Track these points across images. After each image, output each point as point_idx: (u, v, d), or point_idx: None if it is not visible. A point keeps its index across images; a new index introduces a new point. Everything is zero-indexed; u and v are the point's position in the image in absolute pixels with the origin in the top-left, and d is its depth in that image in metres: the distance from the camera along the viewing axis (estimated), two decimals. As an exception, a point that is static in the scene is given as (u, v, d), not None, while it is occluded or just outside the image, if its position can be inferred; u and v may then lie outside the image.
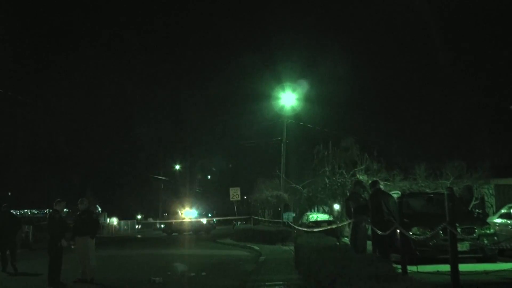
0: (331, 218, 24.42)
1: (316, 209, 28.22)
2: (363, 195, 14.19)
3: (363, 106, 50.31)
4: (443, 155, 27.29)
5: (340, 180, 23.88)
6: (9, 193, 55.06)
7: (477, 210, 21.03)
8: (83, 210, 13.97)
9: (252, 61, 58.54)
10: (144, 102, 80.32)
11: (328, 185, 24.58)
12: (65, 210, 24.94)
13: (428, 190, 22.47)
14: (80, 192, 49.98)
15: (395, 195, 14.38)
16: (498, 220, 16.66)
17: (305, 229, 20.57)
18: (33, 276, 15.48)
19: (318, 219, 25.93)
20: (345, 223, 17.04)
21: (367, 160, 24.81)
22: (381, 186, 20.33)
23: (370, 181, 22.03)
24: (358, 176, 24.13)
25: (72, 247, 13.72)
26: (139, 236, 50.37)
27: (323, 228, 18.78)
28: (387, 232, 10.86)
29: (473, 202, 20.39)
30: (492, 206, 24.37)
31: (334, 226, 18.96)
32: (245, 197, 45.71)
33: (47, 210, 46.75)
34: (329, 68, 43.75)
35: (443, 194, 14.31)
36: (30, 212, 53.68)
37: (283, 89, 32.49)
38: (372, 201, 12.84)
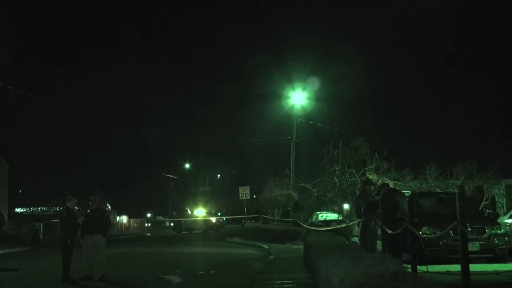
0: (340, 218, 24.38)
1: (325, 208, 28.18)
2: (373, 194, 14.14)
3: (374, 105, 50.10)
4: (454, 155, 27.19)
5: (350, 180, 23.84)
6: (20, 191, 55.42)
7: (487, 210, 20.93)
8: (95, 208, 14.04)
9: (262, 61, 58.42)
10: (156, 101, 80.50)
11: (337, 185, 24.55)
12: (76, 207, 25.11)
13: (438, 190, 22.40)
14: (90, 190, 50.11)
15: (406, 194, 14.36)
16: (509, 221, 16.62)
17: (315, 228, 20.60)
18: (42, 273, 15.60)
19: (328, 218, 25.91)
20: (354, 222, 17.03)
21: (377, 159, 24.77)
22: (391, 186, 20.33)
23: (379, 181, 22.07)
24: (368, 175, 24.10)
25: (83, 245, 13.77)
26: (148, 234, 50.54)
27: (332, 227, 18.80)
28: (398, 231, 10.84)
29: (483, 202, 20.30)
30: (503, 206, 24.27)
31: (343, 225, 18.96)
32: (254, 196, 45.75)
33: (57, 208, 47.01)
34: (340, 67, 43.73)
35: (453, 193, 14.27)
36: (41, 209, 53.93)
37: (293, 88, 32.48)
38: (385, 199, 12.77)
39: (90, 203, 14.22)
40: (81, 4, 76.18)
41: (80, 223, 13.83)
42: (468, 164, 23.94)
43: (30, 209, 54.74)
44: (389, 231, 11.34)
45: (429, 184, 24.64)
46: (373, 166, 24.80)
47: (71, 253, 13.38)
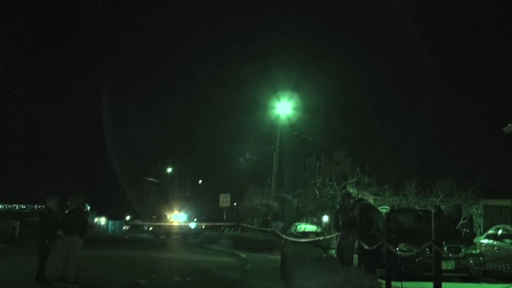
0: (319, 230, 24.48)
1: (305, 219, 28.26)
2: (352, 209, 14.23)
3: (358, 119, 50.38)
4: (434, 172, 27.43)
5: (330, 192, 23.97)
6: (-1, 187, 54.74)
7: (464, 230, 21.17)
8: (73, 209, 13.92)
9: (248, 70, 58.64)
10: (140, 104, 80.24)
11: (318, 197, 24.66)
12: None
13: (417, 207, 22.58)
14: (70, 190, 49.61)
15: (383, 210, 14.46)
16: (485, 241, 16.76)
17: (293, 239, 20.61)
18: (15, 271, 15.45)
19: (306, 230, 25.94)
20: (332, 235, 17.10)
21: (359, 173, 24.93)
22: (370, 201, 20.47)
23: (360, 195, 22.21)
24: (348, 189, 24.24)
25: (59, 245, 13.64)
26: (126, 237, 50.24)
27: (310, 239, 18.84)
28: (374, 247, 10.91)
29: (461, 221, 20.52)
30: (480, 226, 24.52)
31: (321, 238, 19.01)
32: (235, 204, 45.65)
33: (35, 206, 46.50)
34: (325, 80, 43.96)
35: (431, 211, 14.40)
36: (18, 207, 53.28)
37: (279, 98, 32.51)
38: (362, 215, 12.87)
39: (69, 203, 14.07)
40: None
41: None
42: (448, 182, 24.20)
43: (7, 206, 54.00)
44: (366, 246, 11.40)
45: (409, 201, 24.86)
46: (354, 180, 24.95)
47: (48, 253, 13.27)
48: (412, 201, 24.73)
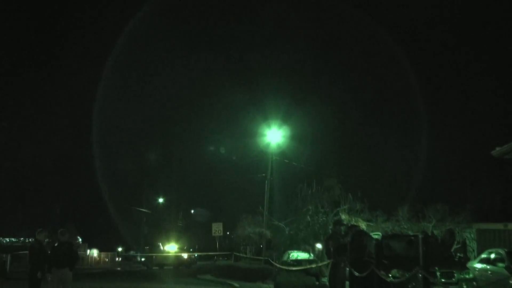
0: (312, 257, 24.32)
1: (298, 247, 28.10)
2: (343, 235, 14.19)
3: (348, 146, 50.51)
4: (426, 197, 27.46)
5: (322, 219, 23.92)
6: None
7: (458, 254, 21.12)
8: (63, 241, 13.81)
9: (238, 99, 58.94)
10: (129, 133, 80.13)
11: (310, 224, 24.59)
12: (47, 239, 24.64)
13: (410, 232, 22.55)
14: (61, 222, 49.33)
15: (375, 236, 14.45)
16: (478, 265, 16.73)
17: (286, 268, 20.49)
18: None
19: (299, 258, 25.78)
20: (324, 263, 17.01)
21: (351, 200, 24.92)
22: (363, 227, 20.44)
23: (353, 221, 22.19)
24: (341, 215, 24.21)
25: (49, 278, 13.48)
26: (119, 269, 49.64)
27: (303, 267, 18.73)
28: (364, 274, 10.87)
29: (455, 246, 20.49)
30: (474, 250, 24.47)
31: (313, 266, 18.89)
32: (228, 233, 45.43)
33: (27, 240, 46.08)
34: (316, 107, 44.17)
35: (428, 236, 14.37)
36: (9, 240, 52.84)
37: (269, 126, 32.58)
38: (355, 241, 12.83)
39: (59, 236, 13.96)
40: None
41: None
42: (440, 207, 24.23)
43: (-3, 239, 53.61)
44: (356, 273, 11.36)
45: (402, 226, 24.83)
46: (346, 206, 24.93)
47: (39, 286, 13.15)
48: (405, 226, 24.71)
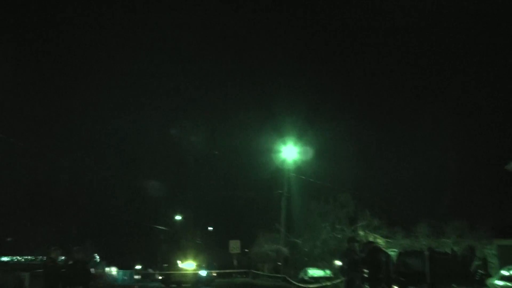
0: (330, 274, 24.05)
1: (315, 264, 27.83)
2: (357, 252, 13.95)
3: (365, 161, 50.17)
4: (446, 213, 27.09)
5: (339, 236, 23.69)
6: (8, 239, 54.67)
7: (479, 271, 20.70)
8: (77, 259, 13.78)
9: (253, 116, 59.04)
10: (147, 151, 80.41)
11: (327, 241, 24.37)
12: (62, 257, 24.74)
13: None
14: (79, 240, 49.42)
15: (392, 253, 14.22)
16: (500, 283, 16.38)
17: (303, 286, 20.30)
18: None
19: (317, 275, 25.53)
20: (339, 280, 16.79)
21: (368, 216, 24.66)
22: (381, 244, 20.16)
23: (371, 238, 21.92)
24: (359, 232, 23.99)
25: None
26: (136, 287, 49.62)
27: (319, 285, 18.53)
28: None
29: (476, 263, 20.10)
30: (495, 267, 24.02)
31: (328, 283, 18.67)
32: (246, 250, 45.14)
33: (45, 258, 46.28)
34: (332, 122, 43.98)
35: (441, 253, 14.11)
36: (27, 258, 53.10)
37: (285, 143, 32.46)
38: (370, 258, 12.60)
39: (73, 254, 13.93)
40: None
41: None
42: (460, 223, 23.89)
43: (16, 258, 53.82)
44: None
45: (420, 243, 24.48)
46: (364, 223, 24.67)
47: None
48: (424, 242, 24.34)
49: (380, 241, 23.41)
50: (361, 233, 23.60)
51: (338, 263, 24.47)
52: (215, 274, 52.91)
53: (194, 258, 60.19)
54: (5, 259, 52.57)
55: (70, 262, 13.81)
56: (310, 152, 33.57)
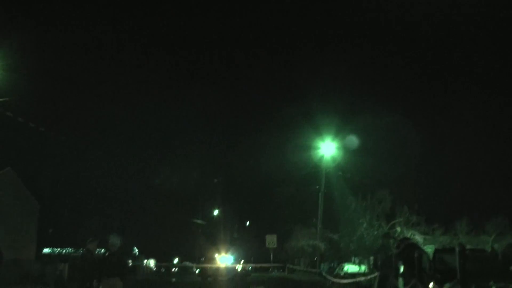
0: (365, 270, 23.86)
1: (350, 260, 27.67)
2: (392, 248, 13.77)
3: (405, 157, 49.50)
4: (486, 211, 26.58)
5: (375, 233, 23.48)
6: (50, 231, 55.93)
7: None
8: (114, 251, 13.91)
9: (292, 112, 58.91)
10: (186, 146, 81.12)
11: (364, 237, 24.19)
12: (102, 250, 25.14)
13: (469, 246, 21.80)
14: (119, 232, 50.17)
15: (429, 250, 13.99)
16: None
17: (338, 280, 20.17)
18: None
19: (354, 271, 25.36)
20: (373, 275, 16.60)
21: (407, 212, 24.38)
22: (418, 240, 19.89)
23: (410, 235, 21.66)
24: (396, 228, 23.75)
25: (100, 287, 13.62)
26: (174, 279, 50.10)
27: (354, 280, 18.38)
28: (407, 287, 10.49)
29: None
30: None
31: (362, 279, 18.50)
32: (282, 245, 45.12)
33: (82, 249, 47.12)
34: (371, 118, 43.46)
35: (480, 250, 13.83)
36: (67, 250, 54.27)
37: (323, 139, 32.33)
38: (404, 254, 12.40)
39: (109, 246, 14.06)
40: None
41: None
42: (500, 220, 23.43)
43: (58, 250, 55.06)
44: (400, 287, 10.99)
45: (460, 240, 24.06)
46: (402, 219, 24.39)
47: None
48: (463, 240, 23.91)
49: (418, 238, 23.13)
50: (399, 229, 23.33)
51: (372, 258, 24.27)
52: (251, 268, 53.13)
53: (231, 252, 60.57)
54: (46, 250, 53.91)
55: (107, 254, 13.96)
56: (348, 148, 33.38)
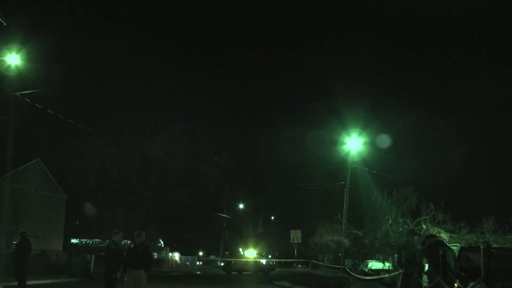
0: (389, 267, 23.71)
1: (377, 257, 27.49)
2: (416, 245, 13.65)
3: (432, 154, 49.07)
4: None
5: (401, 230, 23.26)
6: (77, 222, 56.72)
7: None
8: (139, 243, 14.02)
9: (319, 107, 58.87)
10: (213, 141, 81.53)
11: (390, 233, 24.00)
12: (128, 241, 25.39)
13: (495, 245, 21.51)
14: (144, 225, 50.73)
15: (455, 248, 13.82)
16: None
17: (362, 277, 20.08)
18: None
19: (378, 268, 25.23)
20: (397, 272, 16.49)
21: (433, 210, 24.11)
22: (445, 238, 19.68)
23: (436, 233, 21.43)
24: (422, 226, 23.51)
25: (125, 279, 13.75)
26: (198, 272, 50.48)
27: (377, 277, 18.28)
28: (431, 285, 10.40)
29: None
30: None
31: (386, 276, 18.38)
32: (307, 240, 45.08)
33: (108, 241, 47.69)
34: (398, 114, 43.22)
35: (506, 249, 13.65)
36: (94, 241, 55.01)
37: (349, 134, 32.18)
38: (429, 252, 12.29)
39: (135, 237, 14.16)
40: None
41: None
42: (529, 219, 23.04)
43: (85, 241, 55.85)
44: (425, 284, 10.91)
45: (486, 239, 23.73)
46: (427, 216, 24.13)
47: (113, 286, 13.47)
48: (490, 239, 23.57)
49: (444, 236, 22.86)
50: (424, 227, 23.09)
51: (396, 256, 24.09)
52: (275, 263, 53.26)
53: (255, 247, 60.82)
54: (74, 241, 54.76)
55: (132, 245, 14.08)
56: (376, 144, 33.19)
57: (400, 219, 24.10)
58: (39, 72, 25.44)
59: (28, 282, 18.26)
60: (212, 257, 71.85)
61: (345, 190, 32.66)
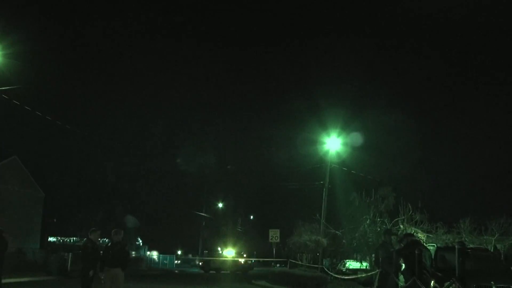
0: (368, 267, 23.87)
1: (355, 256, 27.64)
2: (393, 245, 13.77)
3: (410, 156, 49.47)
4: (490, 210, 26.51)
5: (379, 229, 23.44)
6: (54, 220, 56.14)
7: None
8: (117, 241, 13.92)
9: (298, 106, 59.11)
10: (190, 139, 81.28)
11: (367, 233, 24.16)
12: (106, 240, 25.21)
13: (471, 245, 21.78)
14: (122, 223, 50.41)
15: (431, 248, 13.96)
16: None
17: (340, 276, 20.17)
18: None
19: (355, 267, 25.37)
20: (373, 272, 16.60)
21: (410, 210, 24.32)
22: (422, 238, 19.86)
23: (405, 231, 21.62)
24: (400, 226, 23.71)
25: (102, 277, 13.65)
26: (176, 271, 50.33)
27: (355, 276, 18.40)
28: (407, 284, 10.50)
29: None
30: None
31: (363, 275, 18.51)
32: (286, 240, 45.19)
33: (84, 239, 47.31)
34: (377, 115, 43.43)
35: (482, 250, 13.81)
36: (71, 240, 54.60)
37: (328, 134, 32.27)
38: (407, 251, 12.40)
39: (112, 236, 14.06)
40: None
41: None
42: (504, 221, 23.36)
43: (62, 239, 55.38)
44: (400, 283, 11.00)
45: (463, 239, 24.00)
46: (404, 217, 24.33)
47: (90, 285, 13.37)
48: (466, 239, 23.86)
49: (421, 236, 23.09)
50: (401, 227, 23.30)
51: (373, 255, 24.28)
52: (253, 262, 53.29)
53: (234, 246, 60.80)
54: (51, 239, 54.30)
55: (109, 244, 13.98)
56: (353, 144, 33.32)
57: (378, 219, 24.27)
58: (16, 68, 25.09)
59: (3, 281, 18.07)
60: (190, 256, 71.66)
61: (324, 189, 32.74)
